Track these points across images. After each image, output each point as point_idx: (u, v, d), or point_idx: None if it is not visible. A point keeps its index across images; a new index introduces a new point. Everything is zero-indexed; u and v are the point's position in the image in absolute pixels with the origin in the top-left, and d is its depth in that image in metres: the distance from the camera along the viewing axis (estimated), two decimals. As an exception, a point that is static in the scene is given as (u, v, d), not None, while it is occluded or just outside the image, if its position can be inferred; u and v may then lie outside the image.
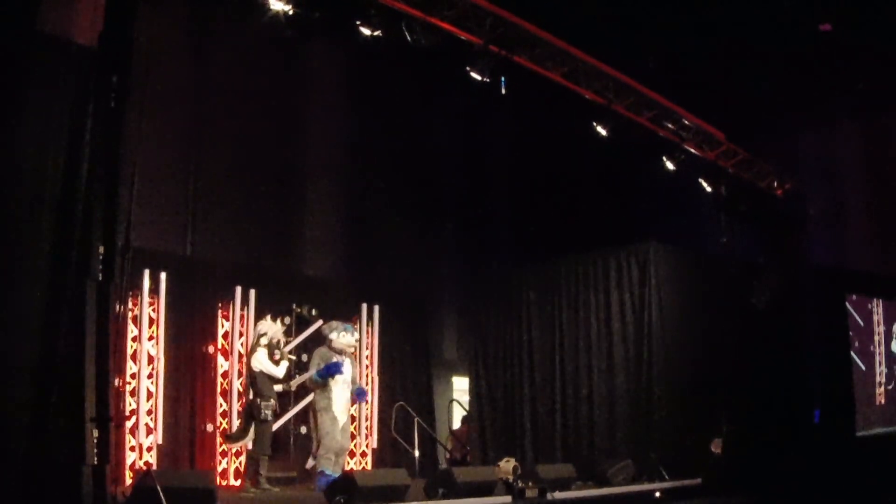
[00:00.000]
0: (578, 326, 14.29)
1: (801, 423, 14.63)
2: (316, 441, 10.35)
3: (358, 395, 10.77)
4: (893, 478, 11.44)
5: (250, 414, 10.89)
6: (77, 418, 6.92)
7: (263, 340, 11.03)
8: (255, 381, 10.86)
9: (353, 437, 12.29)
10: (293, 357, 11.82)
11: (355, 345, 10.72)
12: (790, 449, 13.10)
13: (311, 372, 10.46)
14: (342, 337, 10.54)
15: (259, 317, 12.11)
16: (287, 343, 12.21)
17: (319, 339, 11.21)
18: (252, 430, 10.84)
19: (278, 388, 11.15)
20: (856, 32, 14.86)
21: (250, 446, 11.04)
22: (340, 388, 10.36)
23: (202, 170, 12.84)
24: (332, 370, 10.30)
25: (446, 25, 10.73)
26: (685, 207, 15.31)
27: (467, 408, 15.31)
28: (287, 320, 12.84)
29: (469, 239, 16.79)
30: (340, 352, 10.48)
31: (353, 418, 11.96)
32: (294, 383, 11.62)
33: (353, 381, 10.69)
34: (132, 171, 7.74)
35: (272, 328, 11.23)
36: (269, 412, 10.76)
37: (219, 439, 12.18)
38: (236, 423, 12.10)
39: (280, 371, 11.00)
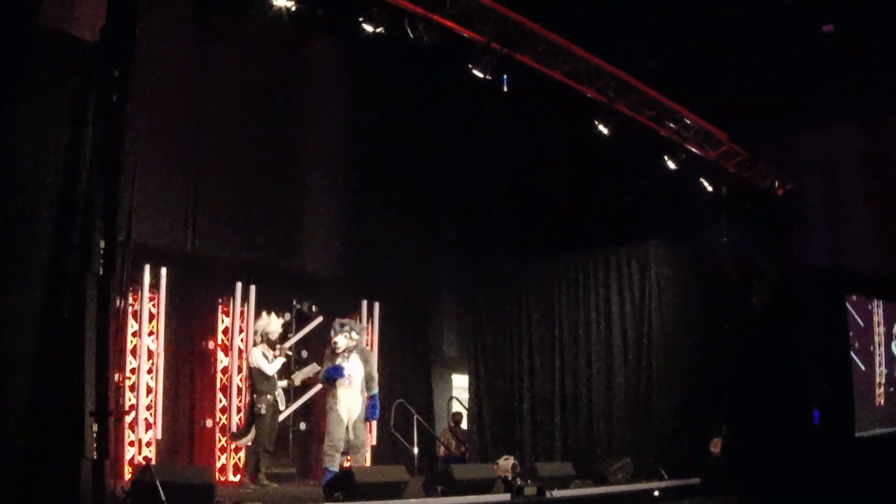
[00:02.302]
0: (578, 325, 14.29)
1: (801, 423, 14.64)
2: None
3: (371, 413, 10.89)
4: (893, 479, 11.46)
5: (251, 411, 10.90)
6: (76, 412, 6.93)
7: (259, 337, 11.03)
8: (252, 378, 10.86)
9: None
10: (290, 353, 11.79)
11: (351, 343, 10.69)
12: (789, 449, 13.11)
13: (322, 370, 10.75)
14: (338, 339, 10.63)
15: (259, 313, 12.11)
16: (287, 339, 12.21)
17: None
18: (254, 427, 10.84)
19: (283, 383, 11.16)
20: (857, 33, 14.87)
21: (249, 443, 11.05)
22: (346, 389, 10.50)
23: (203, 165, 12.84)
24: (331, 374, 10.56)
25: (448, 23, 10.73)
26: (686, 207, 15.30)
27: (466, 405, 15.33)
28: (287, 316, 12.84)
29: (469, 237, 16.78)
30: (343, 351, 10.54)
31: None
32: (296, 378, 11.61)
33: (370, 377, 10.81)
34: (133, 165, 7.74)
35: (271, 324, 11.21)
36: (262, 406, 10.74)
37: (218, 435, 12.20)
38: (235, 419, 12.13)
39: (272, 368, 10.93)
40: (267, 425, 10.84)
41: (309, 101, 14.51)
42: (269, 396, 10.84)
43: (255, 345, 11.05)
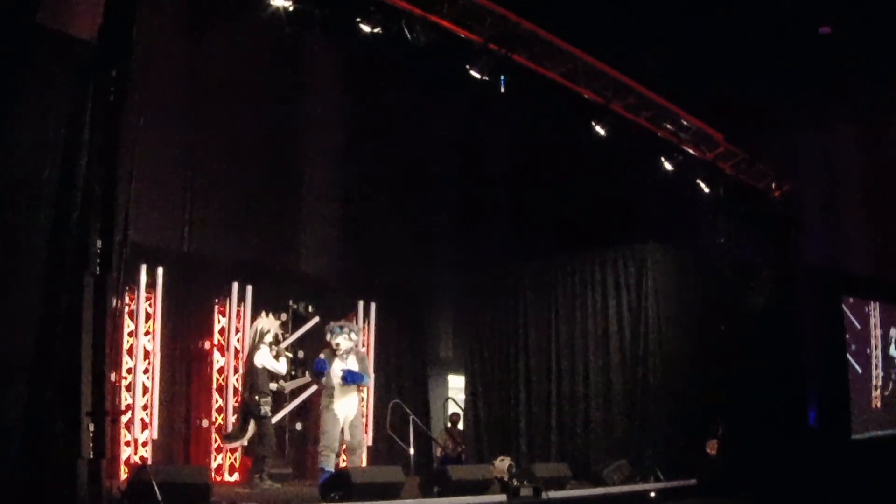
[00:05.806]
0: (574, 326, 14.29)
1: (797, 425, 14.65)
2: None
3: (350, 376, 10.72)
4: (888, 481, 11.47)
5: (247, 412, 10.87)
6: (73, 412, 6.92)
7: (267, 338, 11.02)
8: (255, 378, 10.83)
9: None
10: (290, 354, 11.80)
11: (351, 344, 10.69)
12: (785, 451, 13.12)
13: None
14: (335, 339, 10.62)
15: (255, 313, 12.11)
16: (283, 339, 12.21)
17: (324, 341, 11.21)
18: (250, 428, 10.81)
19: (273, 386, 11.16)
20: (854, 35, 14.88)
21: (245, 443, 11.03)
22: (341, 388, 10.48)
23: (200, 165, 12.81)
24: (317, 368, 10.58)
25: (446, 23, 10.72)
26: (683, 208, 15.30)
27: (462, 406, 15.32)
28: (283, 316, 12.85)
29: (466, 237, 16.75)
30: (341, 352, 10.55)
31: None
32: (288, 386, 11.60)
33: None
34: (130, 165, 7.73)
35: (272, 325, 11.23)
36: (267, 408, 10.77)
37: (214, 435, 12.18)
38: (232, 419, 12.11)
39: (283, 367, 11.00)
40: (271, 426, 10.84)
41: (306, 101, 14.49)
42: (269, 397, 10.86)
43: (255, 346, 11.03)
